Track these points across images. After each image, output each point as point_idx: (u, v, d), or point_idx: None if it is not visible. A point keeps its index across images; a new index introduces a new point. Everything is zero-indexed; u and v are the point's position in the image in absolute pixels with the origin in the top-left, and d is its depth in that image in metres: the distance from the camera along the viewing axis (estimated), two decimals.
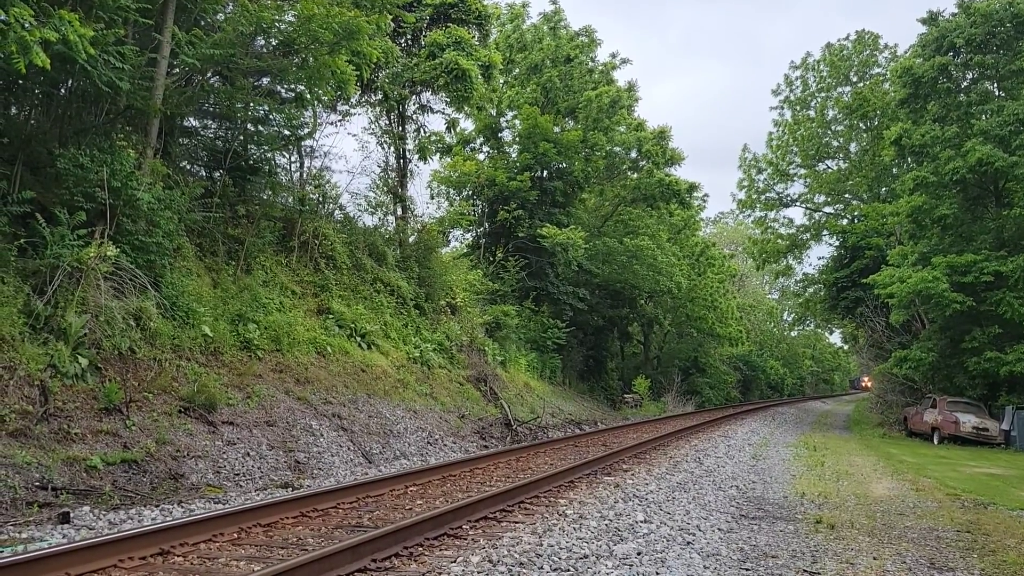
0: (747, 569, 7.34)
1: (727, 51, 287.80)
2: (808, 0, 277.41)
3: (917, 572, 7.53)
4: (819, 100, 48.57)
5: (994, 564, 7.99)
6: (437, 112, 26.75)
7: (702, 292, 48.75)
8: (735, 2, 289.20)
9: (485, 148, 38.72)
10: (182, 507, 9.23)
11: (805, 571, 7.34)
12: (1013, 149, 25.97)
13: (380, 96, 24.22)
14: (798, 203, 50.75)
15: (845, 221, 47.03)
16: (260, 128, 17.83)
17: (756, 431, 26.98)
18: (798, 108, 49.40)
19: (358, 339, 18.77)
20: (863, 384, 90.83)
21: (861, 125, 46.48)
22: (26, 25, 9.44)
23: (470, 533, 8.24)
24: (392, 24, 21.08)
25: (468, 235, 37.38)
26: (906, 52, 36.77)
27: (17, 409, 9.42)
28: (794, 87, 49.26)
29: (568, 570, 6.86)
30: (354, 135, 44.29)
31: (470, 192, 35.02)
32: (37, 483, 8.79)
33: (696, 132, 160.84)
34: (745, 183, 50.89)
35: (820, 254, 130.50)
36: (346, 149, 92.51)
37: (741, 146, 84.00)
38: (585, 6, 61.39)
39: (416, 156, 26.73)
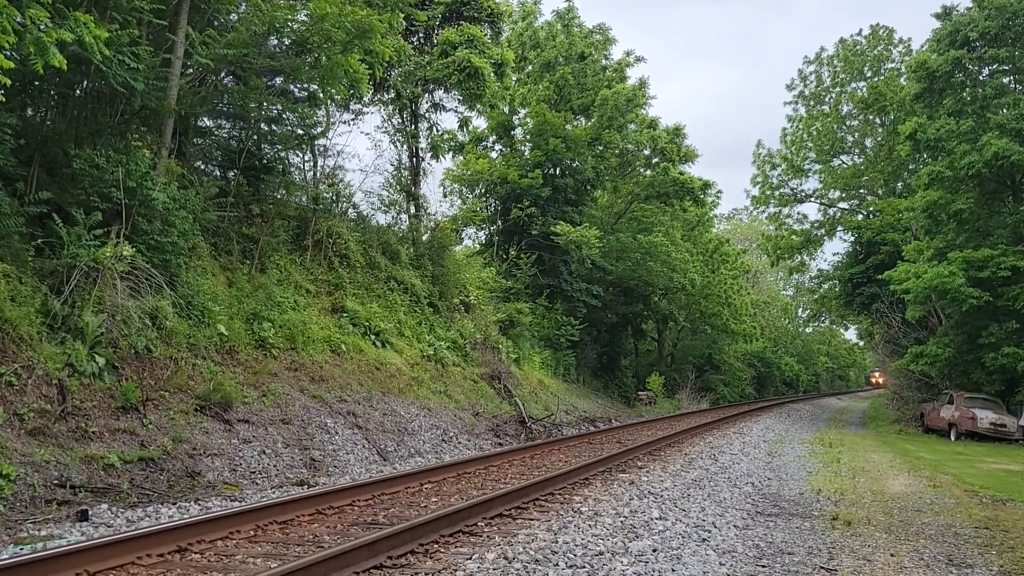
0: (763, 566, 7.32)
1: (732, 52, 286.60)
2: (811, 1, 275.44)
3: (935, 569, 7.48)
4: (833, 95, 48.26)
5: (1013, 561, 7.93)
6: (450, 110, 26.83)
7: (716, 289, 48.55)
8: (739, 4, 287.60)
9: (498, 146, 38.72)
10: (199, 505, 9.29)
11: (822, 567, 7.31)
12: None
13: (393, 95, 24.26)
14: (812, 199, 50.48)
15: (860, 217, 46.69)
16: (274, 127, 17.91)
17: (771, 428, 26.88)
18: (812, 103, 49.11)
19: (372, 337, 18.81)
20: (873, 379, 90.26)
21: (876, 120, 46.16)
22: (42, 27, 9.52)
23: (485, 530, 8.24)
24: (404, 23, 21.11)
25: (481, 233, 37.43)
26: (921, 46, 36.51)
27: (35, 408, 9.51)
28: (808, 82, 48.98)
29: (584, 567, 6.86)
30: (367, 134, 44.39)
31: (483, 190, 35.03)
32: (56, 481, 8.87)
33: (701, 132, 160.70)
34: (759, 179, 50.61)
35: (835, 250, 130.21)
36: (359, 148, 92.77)
37: (746, 145, 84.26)
38: (591, 7, 61.26)
39: (429, 154, 26.80)
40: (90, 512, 8.34)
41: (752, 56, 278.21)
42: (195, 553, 6.99)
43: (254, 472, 11.38)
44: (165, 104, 13.53)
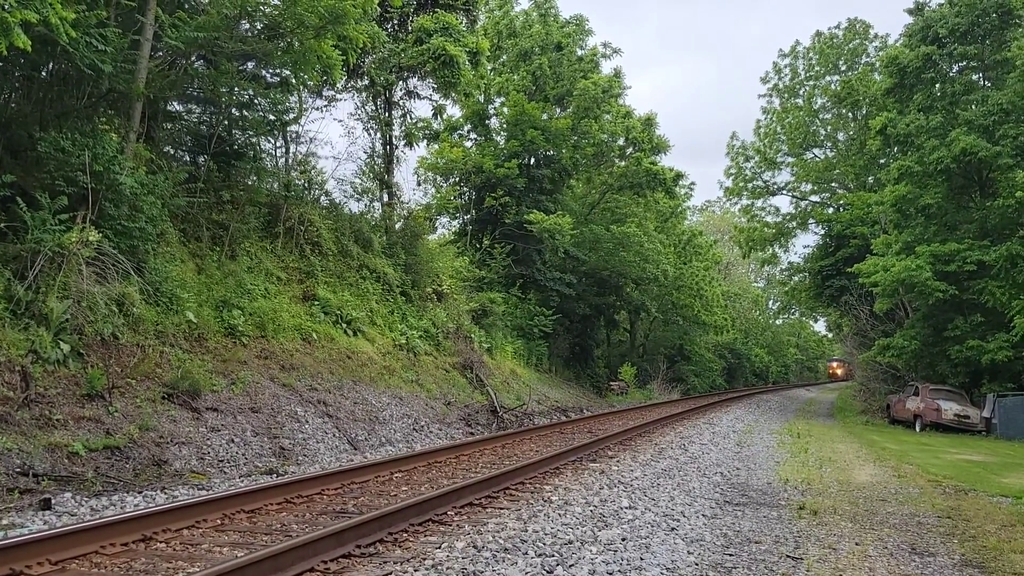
0: (731, 555, 7.38)
1: (701, 47, 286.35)
2: None
3: (898, 557, 7.59)
4: (807, 88, 48.64)
5: (974, 549, 8.07)
6: (424, 98, 26.62)
7: (688, 280, 48.85)
8: None
9: (472, 135, 38.59)
10: (165, 493, 9.19)
11: (788, 556, 7.39)
12: (997, 139, 26.08)
13: (367, 82, 24.05)
14: (785, 191, 50.94)
15: (831, 210, 47.19)
16: (245, 113, 17.68)
17: (741, 418, 27.13)
18: (786, 96, 49.47)
19: (344, 325, 18.70)
20: (831, 371, 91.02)
21: (849, 114, 46.62)
22: (7, 6, 9.31)
23: (455, 519, 8.24)
24: (379, 8, 20.90)
25: (455, 222, 37.34)
26: (895, 41, 36.87)
27: None
28: (783, 75, 49.32)
29: (553, 555, 6.87)
30: (340, 121, 44.13)
31: (457, 179, 34.90)
32: (18, 469, 8.72)
33: (673, 127, 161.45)
34: (733, 171, 51.00)
35: (806, 242, 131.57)
36: (332, 135, 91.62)
37: (717, 139, 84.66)
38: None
39: (403, 142, 26.62)
40: (53, 501, 8.22)
41: (722, 51, 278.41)
42: (160, 542, 6.92)
43: (222, 461, 11.27)
44: (134, 87, 13.30)
